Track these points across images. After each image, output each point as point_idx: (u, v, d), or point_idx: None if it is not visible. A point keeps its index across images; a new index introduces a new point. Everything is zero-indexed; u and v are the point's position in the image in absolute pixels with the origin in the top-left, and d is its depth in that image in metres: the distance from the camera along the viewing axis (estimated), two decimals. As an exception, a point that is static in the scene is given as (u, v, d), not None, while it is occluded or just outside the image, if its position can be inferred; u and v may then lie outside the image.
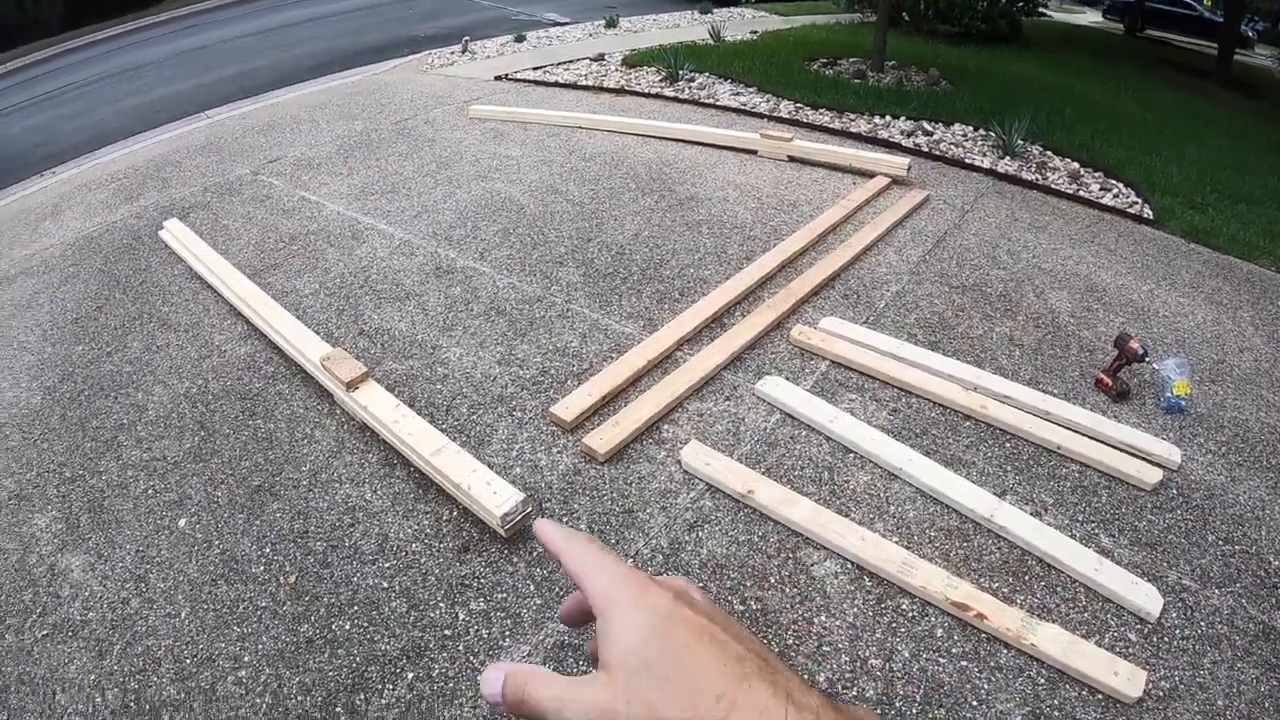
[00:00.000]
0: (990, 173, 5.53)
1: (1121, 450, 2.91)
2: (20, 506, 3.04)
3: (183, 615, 2.50)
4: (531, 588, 2.47)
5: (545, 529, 0.56)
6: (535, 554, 2.58)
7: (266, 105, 8.52)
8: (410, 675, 2.26)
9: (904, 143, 6.05)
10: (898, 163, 5.16)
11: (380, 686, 2.24)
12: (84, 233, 5.41)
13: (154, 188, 6.10)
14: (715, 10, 13.32)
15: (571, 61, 9.19)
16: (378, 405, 3.06)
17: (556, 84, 8.20)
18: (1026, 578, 2.45)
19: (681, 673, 0.44)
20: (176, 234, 4.93)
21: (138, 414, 3.43)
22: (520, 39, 10.95)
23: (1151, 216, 5.07)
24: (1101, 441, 2.95)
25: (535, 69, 8.88)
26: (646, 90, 7.74)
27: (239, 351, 3.77)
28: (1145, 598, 2.33)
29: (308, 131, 7.14)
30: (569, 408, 3.12)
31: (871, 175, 5.20)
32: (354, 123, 7.28)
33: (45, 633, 2.51)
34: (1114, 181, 5.62)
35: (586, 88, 7.98)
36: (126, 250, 5.01)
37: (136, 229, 5.31)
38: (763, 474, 2.78)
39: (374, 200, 5.36)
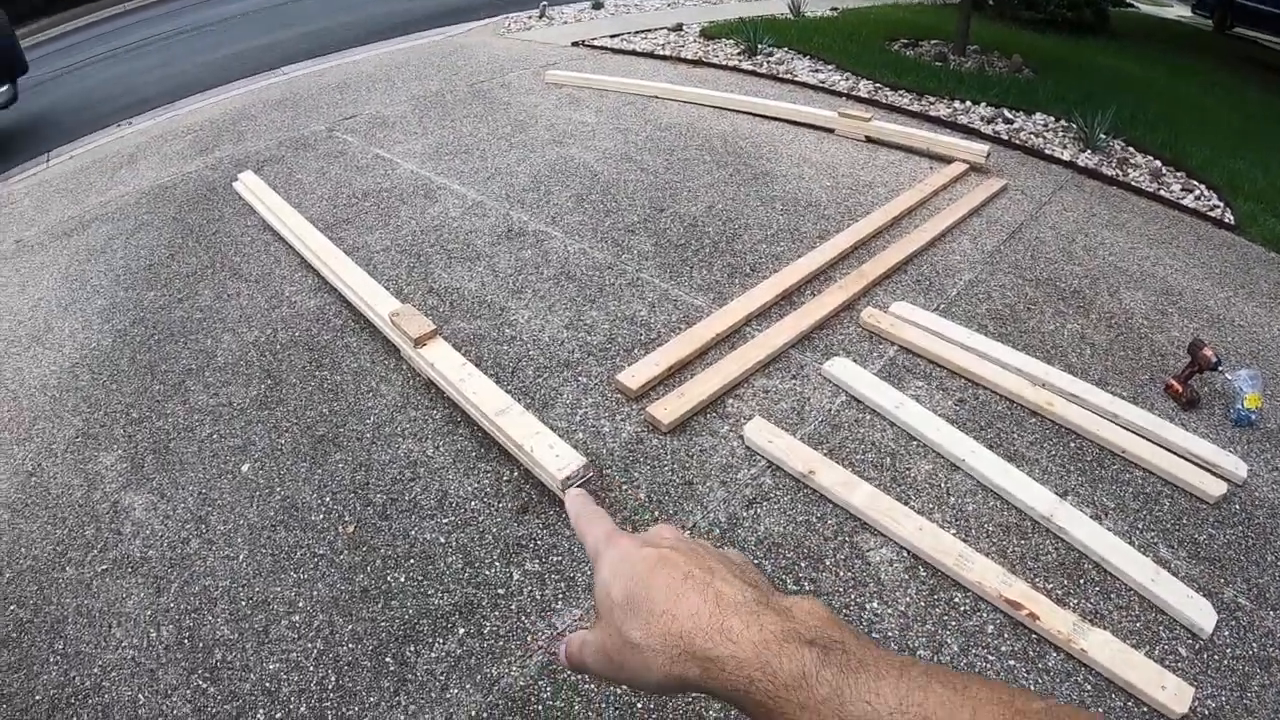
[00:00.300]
0: (1070, 165, 5.38)
1: (1186, 459, 2.83)
2: (86, 444, 3.13)
3: (241, 558, 2.56)
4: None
5: (568, 499, 0.70)
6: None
7: (343, 63, 8.58)
8: (461, 631, 2.29)
9: (983, 129, 5.91)
10: (977, 149, 5.04)
11: (431, 640, 2.27)
12: (159, 182, 5.52)
13: (229, 140, 6.20)
14: (796, -16, 13.09)
15: (649, 30, 9.09)
16: (444, 363, 3.09)
17: (634, 52, 8.13)
18: (1081, 581, 2.40)
19: (638, 600, 0.52)
20: (250, 186, 5.01)
21: (206, 360, 3.51)
22: (598, 5, 10.86)
23: (1233, 222, 4.89)
24: (1167, 449, 2.87)
25: (613, 36, 8.81)
26: (724, 63, 7.63)
27: (308, 303, 3.83)
28: (1199, 612, 2.27)
29: (383, 90, 7.19)
30: (635, 376, 3.12)
31: (949, 160, 5.08)
32: (429, 83, 7.30)
33: (105, 568, 2.59)
34: (1196, 183, 5.43)
35: (664, 57, 7.89)
36: (200, 200, 5.11)
37: (211, 180, 5.40)
38: (825, 455, 2.76)
39: (448, 160, 5.38)
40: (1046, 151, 5.57)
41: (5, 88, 8.24)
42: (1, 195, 6.11)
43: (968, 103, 6.50)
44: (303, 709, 2.12)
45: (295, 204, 4.72)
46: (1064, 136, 5.93)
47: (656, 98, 6.52)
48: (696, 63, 7.67)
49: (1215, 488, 2.70)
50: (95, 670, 2.28)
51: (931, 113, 6.23)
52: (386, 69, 7.97)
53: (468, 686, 2.14)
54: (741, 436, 2.88)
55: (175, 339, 3.68)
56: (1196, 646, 2.23)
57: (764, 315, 3.54)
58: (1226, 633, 2.27)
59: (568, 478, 2.53)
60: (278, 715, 2.11)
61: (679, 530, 0.59)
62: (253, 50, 10.50)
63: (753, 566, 0.58)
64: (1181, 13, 21.04)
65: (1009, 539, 2.53)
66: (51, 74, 11.41)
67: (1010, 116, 6.22)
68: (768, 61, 7.71)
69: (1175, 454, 2.84)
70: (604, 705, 2.08)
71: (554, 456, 2.60)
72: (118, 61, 11.83)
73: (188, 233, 4.70)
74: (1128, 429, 2.95)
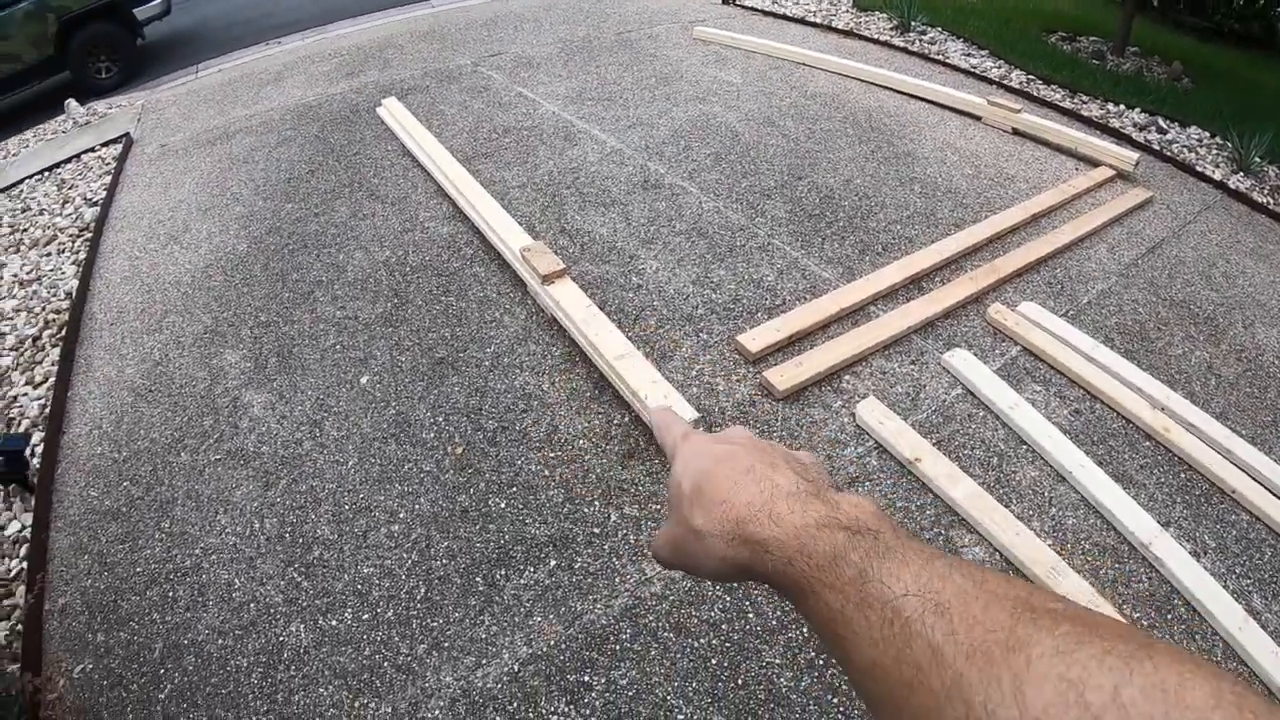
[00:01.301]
0: (1220, 186, 5.05)
1: (1298, 510, 2.68)
2: (213, 341, 3.26)
3: (349, 464, 2.65)
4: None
5: (654, 410, 0.73)
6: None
7: (493, 1, 8.56)
8: (553, 563, 2.33)
9: (1135, 136, 5.57)
10: (1126, 156, 4.76)
11: (522, 567, 2.32)
12: (304, 101, 5.65)
13: (375, 67, 6.29)
14: (957, -38, 12.53)
15: (804, -6, 8.83)
16: (570, 302, 3.10)
17: (785, 17, 7.88)
18: (1169, 616, 2.31)
19: (702, 490, 0.55)
20: (394, 112, 5.08)
21: (336, 273, 3.60)
22: (756, -37, 10.58)
23: (1385, 267, 4.57)
24: (1278, 496, 2.73)
25: (765, -2, 8.58)
26: (875, 36, 7.34)
27: (441, 230, 3.89)
28: (1281, 670, 2.16)
29: (530, 31, 7.16)
30: (755, 339, 3.09)
31: (1096, 164, 4.81)
32: (577, 28, 7.24)
33: (219, 458, 2.71)
34: (1351, 221, 5.08)
35: (814, 25, 7.64)
36: (344, 121, 5.21)
37: (355, 103, 5.51)
38: (933, 445, 2.70)
39: (590, 106, 5.35)
40: (1197, 168, 5.24)
41: (159, 0, 8.50)
42: (150, 102, 6.34)
43: (1121, 106, 6.14)
44: (390, 614, 2.20)
45: (436, 133, 4.77)
46: (1217, 154, 5.56)
47: (804, 65, 6.32)
48: (847, 33, 7.41)
49: (1324, 544, 2.56)
50: (196, 551, 2.40)
51: (1083, 112, 5.90)
52: (535, 10, 7.91)
53: (551, 617, 2.18)
54: (853, 414, 2.83)
55: (309, 250, 3.79)
56: (1272, 705, 2.13)
57: (890, 296, 3.45)
58: (1309, 695, 2.16)
59: (679, 429, 2.53)
60: (365, 616, 2.19)
61: (750, 431, 0.61)
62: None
63: (819, 465, 0.59)
64: (1358, 36, 19.47)
65: (1104, 560, 2.44)
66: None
67: (1164, 126, 5.87)
68: (920, 40, 7.41)
69: (1288, 503, 2.70)
70: (679, 655, 2.10)
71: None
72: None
73: (329, 151, 4.80)
74: (1242, 468, 2.79)
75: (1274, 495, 2.72)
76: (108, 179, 4.84)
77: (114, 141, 5.46)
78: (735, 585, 2.27)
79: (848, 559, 0.45)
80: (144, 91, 6.94)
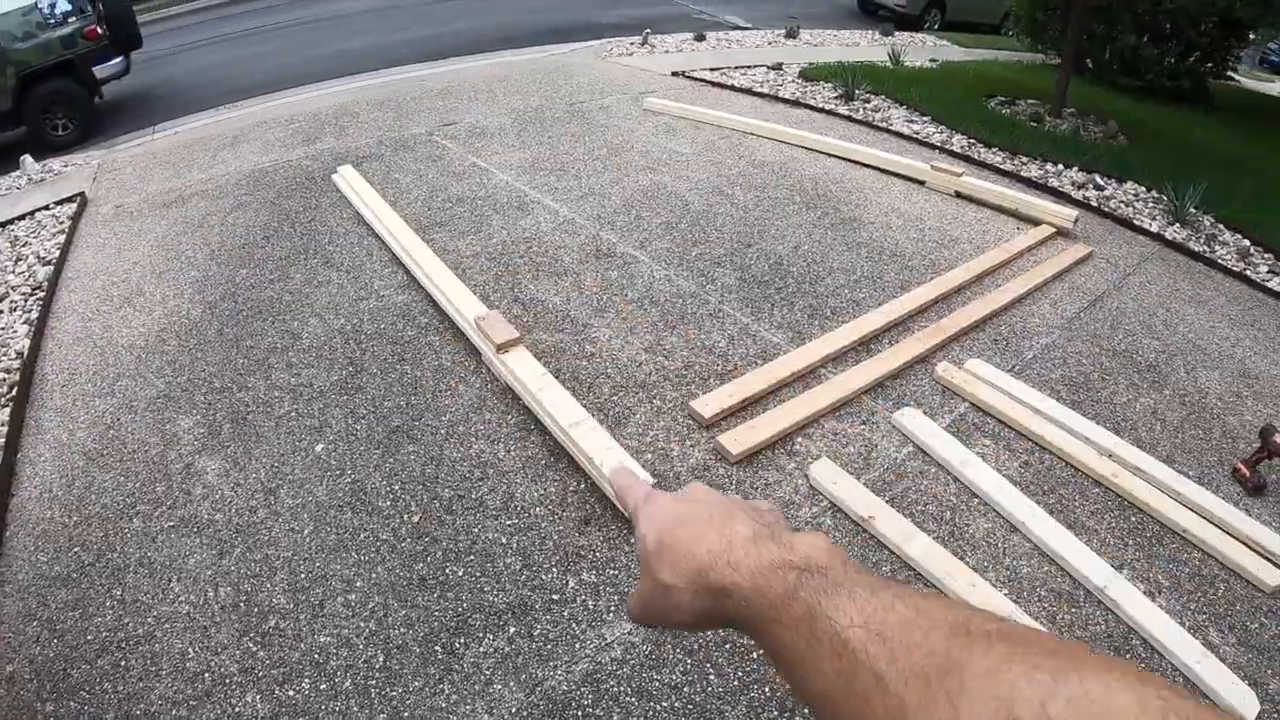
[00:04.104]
0: (1157, 238, 5.30)
1: (1246, 545, 2.78)
2: (166, 406, 3.28)
3: (305, 533, 2.67)
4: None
5: (611, 470, 0.78)
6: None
7: (447, 70, 8.86)
8: (512, 630, 2.36)
9: (1073, 194, 5.84)
10: (1065, 214, 5.00)
11: (481, 635, 2.34)
12: (260, 166, 5.77)
13: (331, 134, 6.44)
14: (896, 34, 13.03)
15: (749, 67, 9.17)
16: (524, 371, 3.17)
17: (732, 87, 8.21)
18: (1128, 655, 2.38)
19: (666, 545, 0.58)
20: (349, 180, 5.19)
21: (291, 340, 3.66)
22: (700, 38, 10.98)
23: (1319, 309, 4.79)
24: (1228, 533, 2.83)
25: (712, 70, 8.90)
26: (821, 105, 7.66)
27: (396, 299, 3.97)
28: (1242, 701, 2.24)
29: (484, 101, 7.38)
30: (708, 404, 3.19)
31: (1037, 223, 5.05)
32: (530, 98, 7.48)
33: (172, 524, 2.71)
34: (1285, 266, 5.33)
35: (762, 95, 7.97)
36: (299, 188, 5.32)
37: (311, 170, 5.62)
38: (886, 502, 2.79)
39: (542, 176, 5.52)
40: (1135, 221, 5.50)
41: (119, 60, 8.71)
42: (106, 161, 6.43)
43: (1060, 165, 6.44)
44: (348, 684, 2.20)
45: (391, 202, 4.89)
46: (1154, 208, 5.84)
47: (751, 134, 6.59)
48: (793, 103, 7.72)
49: (1273, 577, 2.66)
50: (149, 619, 2.39)
51: (1023, 173, 6.19)
52: (489, 80, 8.17)
53: (511, 684, 2.21)
54: (807, 475, 2.92)
55: (263, 317, 3.85)
56: (1238, 735, 2.21)
57: (840, 359, 3.58)
58: (1269, 724, 2.24)
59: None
60: (322, 686, 2.20)
61: (710, 487, 0.65)
62: (359, 50, 10.88)
63: (775, 510, 0.63)
64: (1286, 88, 20.41)
65: (1060, 606, 2.53)
66: (164, 52, 11.90)
67: (1101, 183, 6.15)
68: (864, 108, 7.73)
69: (1236, 539, 2.81)
70: (643, 717, 2.14)
71: (625, 474, 2.66)
72: (228, 47, 12.35)
73: (284, 218, 4.90)
74: (1190, 509, 2.92)
75: (1225, 532, 2.84)
76: (61, 238, 4.90)
77: (69, 200, 5.54)
78: (698, 643, 2.32)
79: (798, 597, 0.49)
80: (100, 150, 7.06)
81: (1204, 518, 2.89)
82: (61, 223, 5.18)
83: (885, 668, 0.43)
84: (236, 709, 2.15)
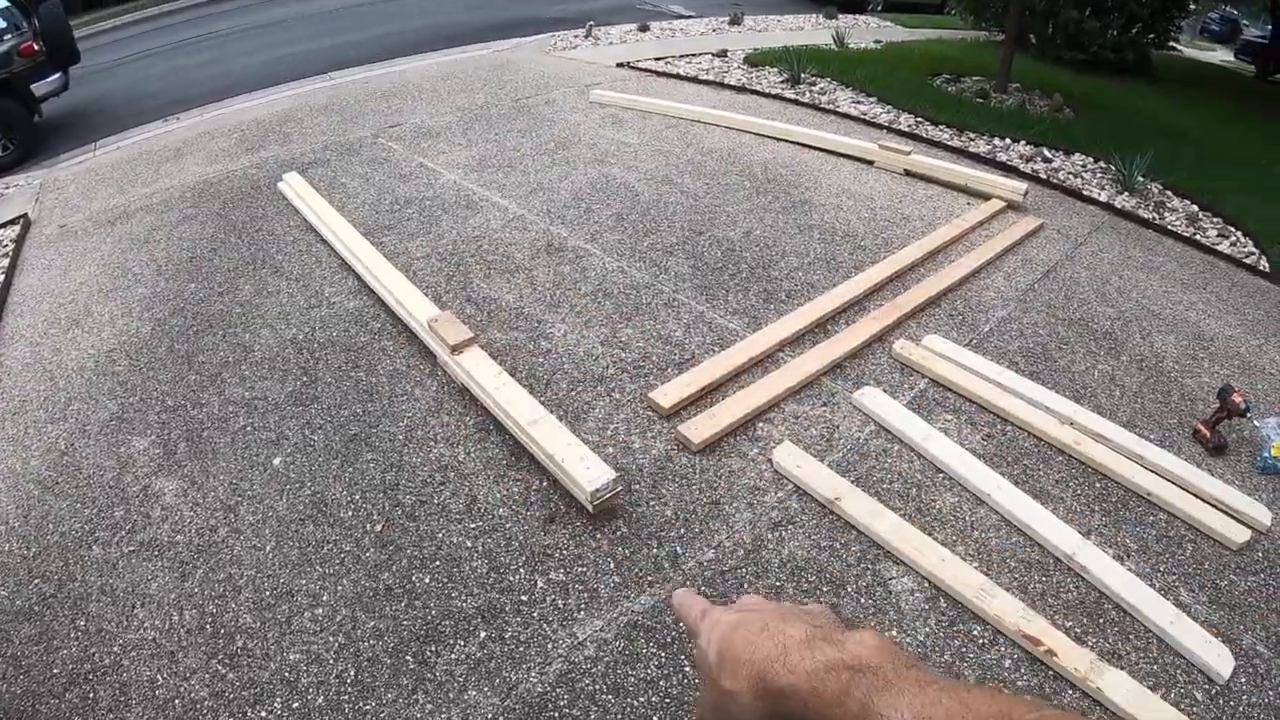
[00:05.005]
0: (1107, 207, 5.36)
1: (1211, 505, 2.81)
2: (120, 428, 3.21)
3: (268, 549, 2.62)
4: (612, 565, 2.52)
5: (675, 594, 0.77)
6: (618, 533, 2.63)
7: (390, 72, 8.79)
8: (483, 634, 2.32)
9: (1022, 167, 5.90)
10: (1015, 187, 5.05)
11: (452, 641, 2.31)
12: (204, 177, 5.69)
13: (275, 141, 6.37)
14: (840, 16, 13.15)
15: (694, 55, 9.19)
16: (480, 371, 3.13)
17: (678, 76, 8.22)
18: (1101, 621, 2.40)
19: (725, 656, 0.61)
20: (295, 187, 5.13)
21: (243, 354, 3.59)
22: (644, 29, 10.99)
23: (1268, 269, 4.86)
24: (1192, 493, 2.86)
25: (657, 59, 8.91)
26: (767, 90, 7.69)
27: (348, 305, 3.91)
28: (1217, 658, 2.26)
29: (429, 101, 7.34)
30: (667, 395, 3.16)
31: (987, 197, 5.09)
32: (475, 96, 7.44)
33: (132, 549, 2.65)
34: (1232, 229, 5.40)
35: (707, 82, 7.98)
36: (245, 198, 5.26)
37: (256, 179, 5.57)
38: (852, 483, 2.78)
39: (490, 173, 5.48)
40: (1084, 192, 5.56)
41: (57, 76, 8.49)
42: (48, 180, 6.31)
43: (1007, 140, 6.51)
44: (320, 700, 2.16)
45: (338, 207, 4.83)
46: (1102, 178, 5.91)
47: (699, 122, 6.59)
48: (740, 89, 7.74)
49: (1239, 534, 2.69)
50: (115, 649, 2.33)
51: (971, 149, 6.24)
52: (433, 80, 8.12)
53: (485, 689, 2.17)
54: (770, 460, 2.91)
55: (214, 331, 3.78)
56: (1213, 692, 2.22)
57: (797, 342, 3.57)
58: (1243, 679, 2.26)
59: (597, 490, 2.57)
60: (295, 705, 2.15)
61: (762, 597, 0.69)
62: (301, 54, 10.75)
63: (827, 612, 0.66)
64: (1225, 58, 20.87)
65: (1030, 575, 2.53)
66: (103, 65, 11.69)
67: (1049, 155, 6.23)
68: (810, 91, 7.75)
69: (1200, 499, 2.83)
70: (619, 716, 2.11)
71: (585, 469, 2.63)
72: (168, 57, 12.15)
73: (230, 229, 4.82)
74: (1154, 472, 2.94)
75: (1189, 492, 2.86)
76: (5, 261, 4.79)
77: (12, 222, 5.44)
78: (671, 637, 2.29)
79: (852, 695, 0.52)
80: (42, 170, 6.93)
81: (1168, 480, 2.91)
82: (4, 246, 5.07)
83: None
84: (208, 734, 2.10)
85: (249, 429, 3.16)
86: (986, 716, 0.46)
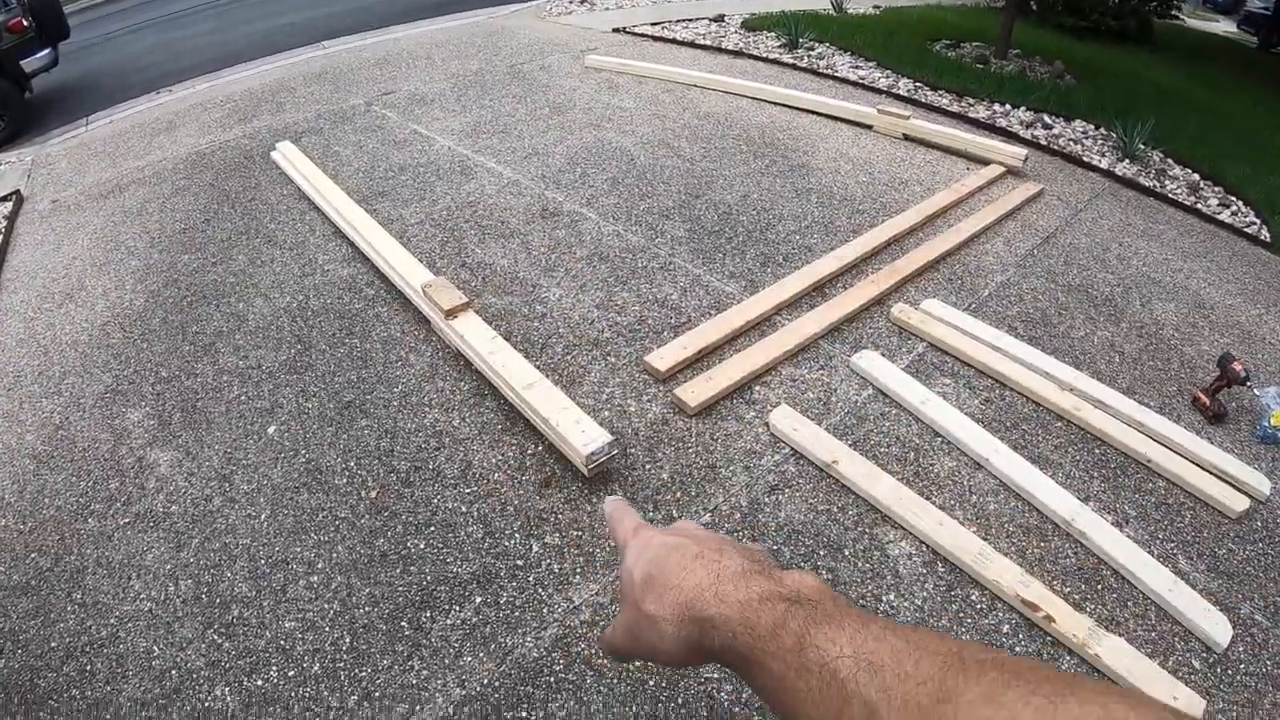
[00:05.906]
0: (1108, 174, 5.32)
1: (1210, 473, 2.79)
2: (115, 400, 3.19)
3: (262, 518, 2.60)
4: (608, 529, 2.49)
5: (607, 502, 0.79)
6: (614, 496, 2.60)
7: (384, 40, 8.70)
8: (478, 600, 2.31)
9: (1022, 133, 5.85)
10: (1014, 153, 5.00)
11: (448, 607, 2.29)
12: (197, 149, 5.64)
13: (268, 111, 6.30)
14: (840, -20, 13.00)
15: (691, 20, 9.06)
16: (474, 335, 3.10)
17: (674, 41, 8.11)
18: (1099, 587, 2.39)
19: (653, 578, 0.59)
20: (288, 156, 5.07)
21: (237, 323, 3.56)
22: (641, -9, 10.83)
23: (1268, 239, 4.83)
24: (1191, 461, 2.84)
25: (653, 24, 8.79)
26: (764, 55, 7.59)
27: (341, 272, 3.87)
28: (1215, 626, 2.25)
29: (423, 68, 7.26)
30: (663, 358, 3.13)
31: (986, 163, 5.04)
32: (469, 62, 7.35)
33: (127, 521, 2.63)
34: (1234, 198, 5.37)
35: (704, 47, 7.88)
36: (238, 168, 5.21)
37: (249, 149, 5.51)
38: (849, 446, 2.76)
39: (485, 139, 5.42)
40: (1084, 159, 5.52)
41: (47, 52, 8.39)
42: (39, 156, 6.25)
43: (1007, 106, 6.45)
44: (316, 668, 2.14)
45: (332, 175, 4.77)
46: (1103, 145, 5.87)
47: (695, 86, 6.51)
48: (737, 54, 7.64)
49: (1238, 503, 2.67)
50: (112, 620, 2.32)
51: (971, 114, 6.18)
52: (427, 47, 8.02)
53: (481, 655, 2.16)
54: (767, 423, 2.88)
55: (208, 301, 3.74)
56: (1210, 660, 2.21)
57: (795, 305, 3.54)
58: (1241, 648, 2.25)
59: (592, 454, 2.54)
60: (291, 673, 2.13)
61: (699, 524, 0.67)
62: (294, 24, 10.64)
63: (764, 551, 0.63)
64: (1228, 28, 20.75)
65: (1029, 540, 2.52)
66: (93, 40, 11.56)
67: (1049, 122, 6.17)
68: (808, 56, 7.66)
69: (1200, 467, 2.82)
70: (615, 680, 2.09)
71: (580, 432, 2.61)
72: (158, 30, 12.02)
73: (224, 199, 4.77)
74: (1153, 439, 2.92)
75: (1188, 460, 2.84)
76: None
77: (4, 199, 5.39)
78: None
79: (787, 627, 0.50)
80: (33, 146, 6.86)
81: (1167, 447, 2.89)
82: (-3, 223, 5.02)
83: (877, 696, 0.43)
84: (206, 703, 2.08)
85: (243, 398, 3.13)
86: (935, 653, 0.44)
